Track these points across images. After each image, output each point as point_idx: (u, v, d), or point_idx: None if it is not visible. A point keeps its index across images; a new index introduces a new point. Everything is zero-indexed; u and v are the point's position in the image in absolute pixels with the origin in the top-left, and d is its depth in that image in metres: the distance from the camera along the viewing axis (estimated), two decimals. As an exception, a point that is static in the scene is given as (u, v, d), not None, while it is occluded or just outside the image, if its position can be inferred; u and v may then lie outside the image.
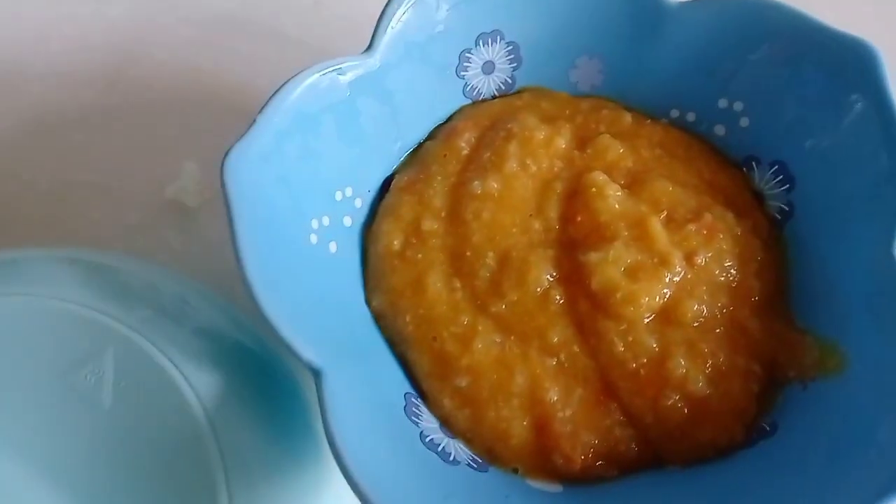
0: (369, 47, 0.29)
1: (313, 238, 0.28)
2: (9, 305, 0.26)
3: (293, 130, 0.27)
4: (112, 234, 0.37)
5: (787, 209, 0.31)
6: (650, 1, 0.31)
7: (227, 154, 0.25)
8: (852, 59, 0.29)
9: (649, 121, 0.33)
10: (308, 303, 0.26)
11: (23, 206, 0.38)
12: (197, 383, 0.26)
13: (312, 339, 0.24)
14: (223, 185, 0.25)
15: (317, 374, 0.23)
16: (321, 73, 0.28)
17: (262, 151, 0.26)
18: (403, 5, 0.30)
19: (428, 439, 0.26)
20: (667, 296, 0.28)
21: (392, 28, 0.30)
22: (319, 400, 0.23)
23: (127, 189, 0.39)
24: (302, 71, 0.28)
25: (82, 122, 0.41)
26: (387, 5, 0.30)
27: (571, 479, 0.27)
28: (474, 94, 0.34)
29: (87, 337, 0.26)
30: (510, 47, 0.33)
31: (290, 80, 0.27)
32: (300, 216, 0.27)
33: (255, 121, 0.26)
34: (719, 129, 0.33)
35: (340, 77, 0.29)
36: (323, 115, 0.28)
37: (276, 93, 0.27)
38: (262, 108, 0.26)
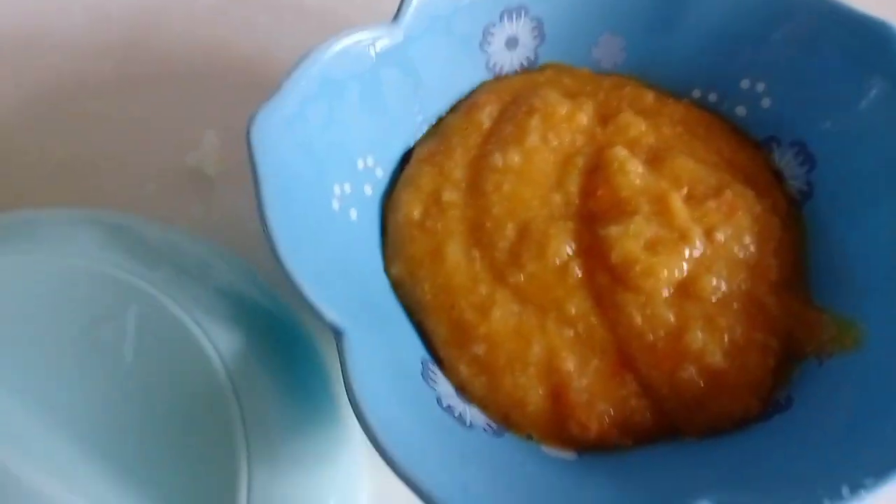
0: (395, 18, 0.30)
1: (335, 204, 0.28)
2: (30, 264, 0.27)
3: (319, 96, 0.27)
4: (132, 202, 0.37)
5: (806, 189, 0.31)
6: (675, -22, 0.31)
7: (253, 117, 0.25)
8: (873, 39, 0.29)
9: (671, 99, 0.34)
10: (330, 266, 0.26)
11: (43, 175, 0.39)
12: (218, 342, 0.26)
13: (335, 301, 0.24)
14: (249, 147, 0.25)
15: (339, 334, 0.24)
16: (351, 41, 0.28)
17: (287, 116, 0.26)
18: (430, -25, 0.30)
19: (445, 404, 0.26)
20: (686, 270, 0.28)
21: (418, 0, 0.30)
22: (341, 360, 0.23)
23: (147, 158, 0.39)
24: (331, 38, 0.28)
25: (102, 92, 0.41)
26: (414, -25, 0.30)
27: (586, 447, 0.27)
28: (497, 69, 0.34)
29: (110, 294, 0.26)
30: (534, 23, 0.33)
31: (319, 46, 0.27)
32: (323, 182, 0.28)
33: (281, 84, 0.26)
34: (740, 110, 0.33)
35: (368, 46, 0.29)
36: (349, 83, 0.29)
37: (304, 58, 0.27)
38: (290, 71, 0.27)
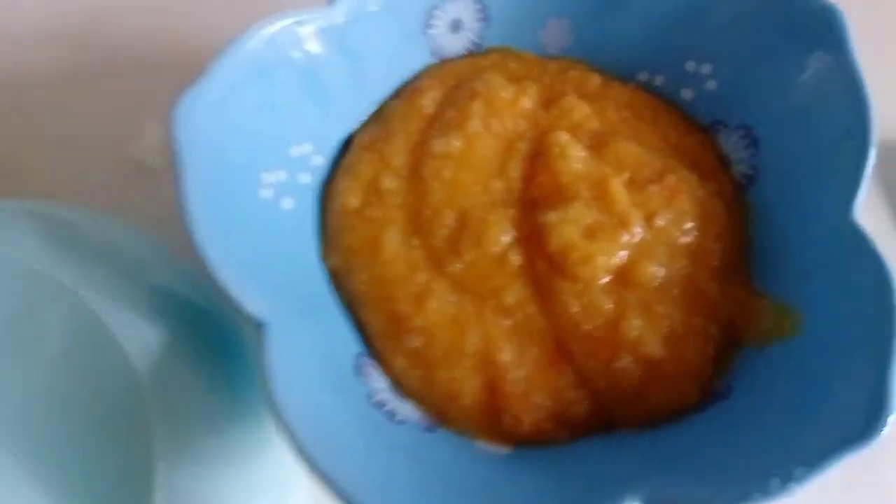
0: (331, 0, 0.29)
1: (266, 192, 0.27)
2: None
3: (248, 82, 0.27)
4: (75, 192, 0.37)
5: (751, 173, 0.31)
6: (619, -41, 0.31)
7: (175, 103, 0.25)
8: (817, 20, 0.28)
9: (617, 83, 0.33)
10: (256, 256, 0.25)
11: (-14, 164, 0.38)
12: (140, 339, 0.25)
13: (258, 293, 0.24)
14: (171, 133, 0.24)
15: (260, 326, 0.23)
16: (279, 24, 0.27)
17: (213, 102, 0.25)
18: (366, -43, 0.29)
19: (374, 400, 0.26)
20: (625, 257, 0.28)
21: (353, -20, 0.29)
22: (259, 352, 0.23)
23: (91, 148, 0.38)
24: (259, 22, 0.27)
25: (51, 82, 0.41)
26: (349, -43, 0.29)
27: (521, 441, 0.27)
28: (442, 53, 0.33)
29: (33, 289, 0.25)
30: (479, 5, 0.33)
31: (248, 30, 0.27)
32: (253, 170, 0.27)
33: (207, 70, 0.26)
34: (687, 93, 0.33)
35: (300, 29, 0.28)
36: (281, 68, 0.28)
37: (231, 43, 0.26)
38: (216, 57, 0.26)
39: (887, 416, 0.22)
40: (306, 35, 0.28)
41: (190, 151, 0.24)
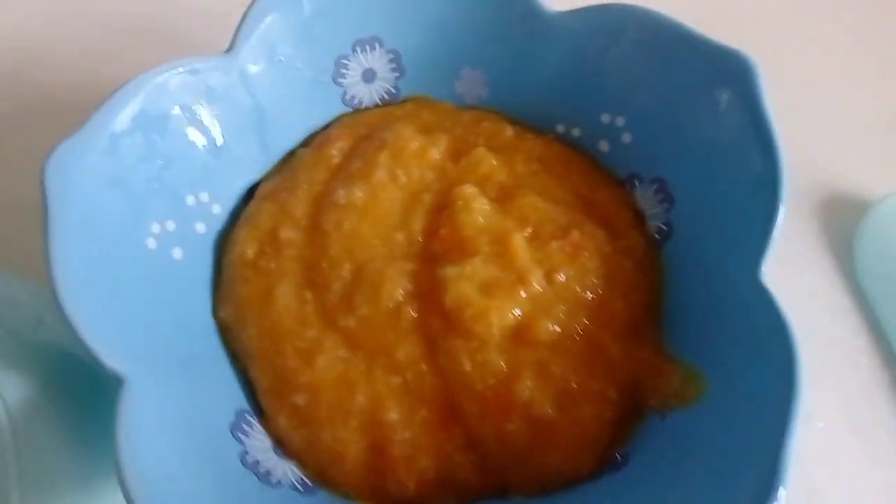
0: (230, 49, 0.29)
1: (151, 242, 0.26)
2: None
3: (133, 130, 0.26)
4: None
5: (665, 229, 0.30)
6: (528, 10, 0.30)
7: (49, 154, 0.24)
8: (729, 70, 0.27)
9: (532, 135, 0.32)
10: (130, 309, 0.24)
11: None
12: (6, 388, 0.24)
13: (124, 347, 0.23)
14: (42, 182, 0.24)
15: (120, 382, 0.22)
16: (169, 72, 0.27)
17: (93, 150, 0.25)
18: (268, 5, 0.29)
19: (251, 460, 0.25)
20: (521, 314, 0.26)
21: (255, 29, 0.29)
22: (116, 410, 0.22)
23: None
24: (150, 70, 0.27)
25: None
26: (250, 5, 0.29)
27: (405, 507, 0.25)
28: (355, 102, 0.33)
29: None
30: (391, 55, 0.32)
31: (134, 78, 0.26)
32: (137, 220, 0.26)
33: (88, 119, 0.25)
34: (603, 146, 0.32)
35: (192, 77, 0.28)
36: (171, 116, 0.27)
37: (116, 91, 0.26)
38: (99, 106, 0.25)
39: (777, 489, 0.21)
40: (201, 84, 0.28)
41: (61, 201, 0.23)
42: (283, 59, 0.30)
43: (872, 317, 0.37)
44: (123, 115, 0.26)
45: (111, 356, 0.22)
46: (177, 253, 0.28)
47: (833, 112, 0.44)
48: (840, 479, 0.33)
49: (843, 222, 0.40)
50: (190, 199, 0.28)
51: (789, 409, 0.22)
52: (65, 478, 0.24)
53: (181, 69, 0.27)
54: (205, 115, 0.28)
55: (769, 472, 0.21)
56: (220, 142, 0.29)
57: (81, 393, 0.27)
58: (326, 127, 0.33)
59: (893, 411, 0.35)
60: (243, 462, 0.24)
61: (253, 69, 0.29)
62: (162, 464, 0.21)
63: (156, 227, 0.27)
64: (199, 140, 0.28)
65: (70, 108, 0.40)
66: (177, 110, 0.27)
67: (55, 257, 0.23)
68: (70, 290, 0.22)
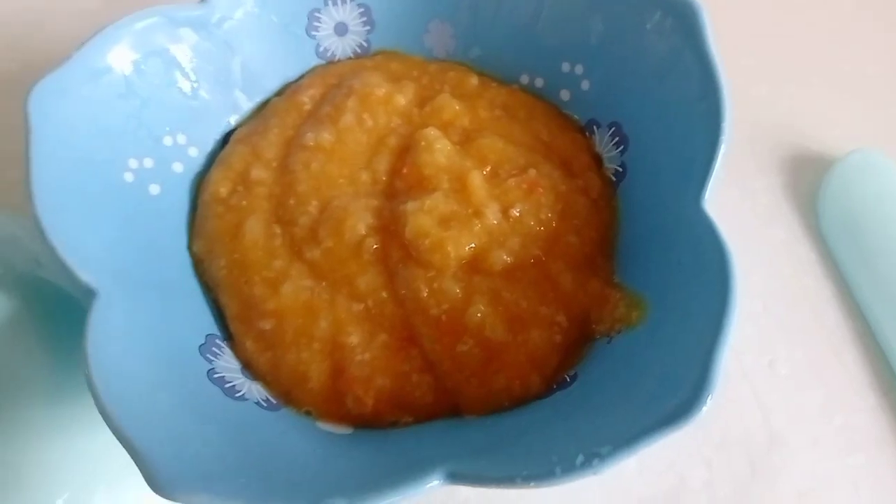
0: (205, -1, 0.30)
1: (128, 176, 0.28)
2: None
3: (113, 70, 0.28)
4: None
5: (620, 170, 0.31)
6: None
7: (34, 84, 0.26)
8: (677, 15, 0.29)
9: (496, 84, 0.34)
10: (105, 233, 0.26)
11: None
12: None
13: (97, 265, 0.24)
14: (25, 113, 0.25)
15: (91, 295, 0.24)
16: (147, 18, 0.29)
17: (74, 85, 0.27)
18: (242, -42, 0.30)
19: (217, 376, 0.26)
20: (476, 246, 0.28)
21: (230, -20, 0.30)
22: (87, 318, 0.23)
23: (5, 150, 0.39)
24: (127, 15, 0.28)
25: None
26: (225, -42, 0.30)
27: (363, 423, 0.26)
28: (328, 55, 0.35)
29: None
30: (361, 9, 0.34)
31: (114, 23, 0.28)
32: (115, 154, 0.28)
33: (70, 56, 0.27)
34: (564, 94, 0.33)
35: (170, 25, 0.29)
36: (150, 60, 0.29)
37: (97, 33, 0.27)
38: (80, 45, 0.27)
39: (706, 396, 0.22)
40: (178, 31, 0.29)
41: (42, 130, 0.25)
42: (257, 10, 0.32)
43: (836, 269, 0.38)
44: (103, 55, 0.27)
45: (84, 270, 0.24)
46: (154, 189, 0.29)
47: (799, 70, 0.45)
48: (801, 425, 0.34)
49: (807, 178, 0.41)
50: (167, 140, 0.30)
51: (722, 324, 0.23)
52: (40, 388, 0.26)
53: (159, 16, 0.29)
54: (182, 61, 0.30)
55: (698, 381, 0.22)
56: (196, 88, 0.31)
57: (68, 325, 0.28)
58: (300, 78, 0.34)
59: (855, 359, 0.36)
60: (210, 378, 0.26)
61: (229, 20, 0.31)
62: (128, 371, 0.23)
63: (133, 163, 0.28)
64: (175, 84, 0.30)
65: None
66: (155, 54, 0.29)
67: (35, 178, 0.25)
68: (47, 209, 0.24)
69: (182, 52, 0.30)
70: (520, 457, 0.23)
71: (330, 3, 0.33)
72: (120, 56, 0.28)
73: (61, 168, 0.25)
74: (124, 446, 0.21)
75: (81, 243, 0.24)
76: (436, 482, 0.21)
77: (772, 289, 0.38)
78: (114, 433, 0.21)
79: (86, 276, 0.24)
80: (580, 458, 0.21)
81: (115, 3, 0.45)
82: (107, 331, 0.23)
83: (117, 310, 0.24)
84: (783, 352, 0.36)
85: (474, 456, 0.23)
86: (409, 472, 0.22)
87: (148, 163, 0.29)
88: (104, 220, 0.26)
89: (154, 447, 0.21)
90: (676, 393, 0.22)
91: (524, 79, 0.34)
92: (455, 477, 0.21)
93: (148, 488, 0.26)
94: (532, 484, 0.21)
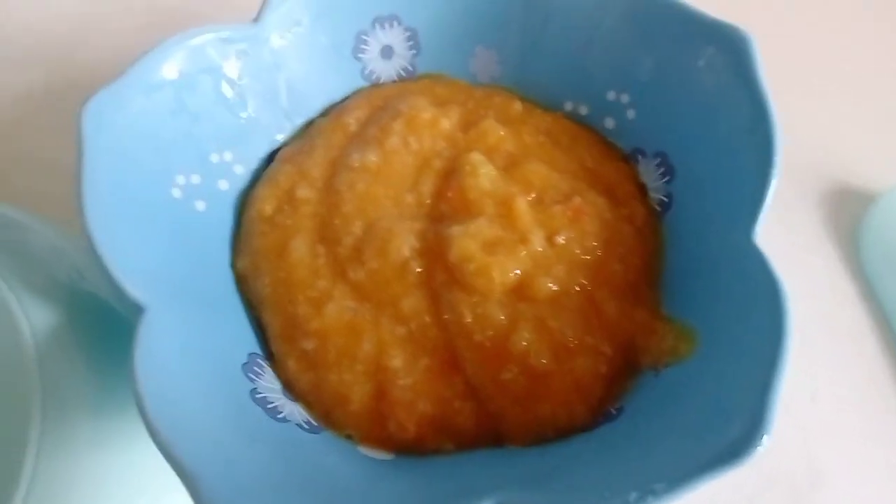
0: (257, 19, 0.30)
1: (176, 192, 0.28)
2: None
3: (165, 86, 0.28)
4: (30, 201, 0.38)
5: (666, 200, 0.31)
6: (539, -8, 0.32)
7: (88, 98, 0.26)
8: (727, 45, 0.28)
9: (540, 110, 0.34)
10: (153, 248, 0.26)
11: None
12: (36, 321, 0.26)
13: (145, 280, 0.24)
14: (78, 126, 0.26)
15: (139, 310, 0.23)
16: (201, 36, 0.29)
17: (127, 101, 0.27)
18: (294, -19, 0.31)
19: (259, 396, 0.26)
20: (522, 272, 0.28)
21: (282, 2, 0.31)
22: (134, 334, 0.23)
23: (54, 162, 0.40)
24: (183, 32, 0.29)
25: (24, 100, 0.43)
26: (277, -20, 0.31)
27: (405, 449, 0.26)
28: (373, 77, 0.35)
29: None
30: (409, 33, 0.34)
31: (168, 39, 0.28)
32: (164, 169, 0.28)
33: (124, 71, 0.27)
34: (609, 122, 0.33)
35: (221, 42, 0.29)
36: (201, 77, 0.29)
37: (150, 50, 0.28)
38: (135, 61, 0.27)
39: (763, 434, 0.21)
40: (230, 49, 0.30)
41: (94, 144, 0.25)
42: (306, 31, 0.32)
43: (876, 304, 0.38)
44: (157, 71, 0.28)
45: (132, 286, 0.24)
46: (199, 205, 0.29)
47: (841, 104, 0.45)
48: (843, 459, 0.34)
49: (848, 213, 0.40)
50: (214, 157, 0.30)
51: (777, 360, 0.22)
52: (84, 402, 0.26)
53: (212, 34, 0.29)
54: (232, 79, 0.30)
55: (753, 420, 0.22)
56: (245, 106, 0.31)
57: (109, 338, 0.28)
58: (345, 99, 0.34)
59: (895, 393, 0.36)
60: (253, 398, 0.26)
61: (278, 40, 0.31)
62: (175, 389, 0.23)
63: (181, 179, 0.29)
64: (225, 102, 0.30)
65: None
66: (206, 72, 0.29)
67: (86, 191, 0.25)
68: (98, 223, 0.24)
69: (233, 71, 0.30)
70: (569, 490, 0.22)
71: (377, 26, 0.34)
72: (173, 72, 0.28)
73: (112, 182, 0.26)
74: (171, 465, 0.20)
75: (130, 258, 0.24)
76: (485, 512, 0.21)
77: (812, 322, 0.37)
78: (161, 451, 0.21)
79: (134, 291, 0.24)
80: (634, 495, 0.21)
81: (157, 20, 0.46)
82: (154, 347, 0.23)
83: (164, 326, 0.24)
84: (825, 385, 0.36)
85: (522, 487, 0.22)
86: (456, 500, 0.22)
87: (195, 179, 0.29)
88: (152, 235, 0.26)
89: (201, 466, 0.20)
90: (732, 430, 0.22)
91: (568, 106, 0.34)
92: (502, 507, 0.21)
93: (192, 506, 0.26)
94: (585, 519, 0.21)
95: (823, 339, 0.37)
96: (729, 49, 0.28)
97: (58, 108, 0.42)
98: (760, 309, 0.24)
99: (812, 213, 0.41)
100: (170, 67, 0.28)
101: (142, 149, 0.27)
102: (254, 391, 0.26)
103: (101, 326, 0.29)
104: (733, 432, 0.22)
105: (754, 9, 0.46)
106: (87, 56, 0.44)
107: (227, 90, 0.30)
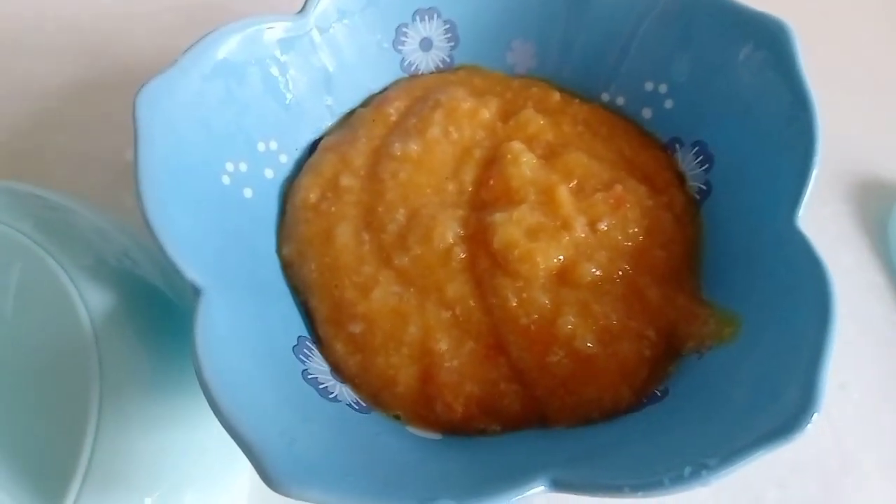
0: (302, 10, 0.31)
1: (225, 179, 0.29)
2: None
3: (215, 75, 0.29)
4: (71, 187, 0.39)
5: (704, 188, 0.31)
6: (579, -16, 0.32)
7: (143, 86, 0.27)
8: (768, 38, 0.29)
9: (578, 101, 0.34)
10: (207, 233, 0.27)
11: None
12: (92, 303, 0.26)
13: (201, 262, 0.25)
14: (133, 112, 0.26)
15: (197, 291, 0.24)
16: (249, 27, 0.29)
17: (179, 88, 0.27)
18: (336, -26, 0.31)
19: (311, 377, 0.26)
20: (565, 257, 0.28)
21: (325, -6, 0.31)
22: (193, 315, 0.23)
23: (94, 153, 0.41)
24: (231, 23, 0.29)
25: (63, 92, 0.44)
26: (321, -28, 0.31)
27: (452, 430, 0.27)
28: (412, 69, 0.35)
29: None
30: (447, 25, 0.35)
31: (216, 29, 0.29)
32: (214, 157, 0.29)
33: (176, 61, 0.28)
34: (646, 112, 0.34)
35: (268, 33, 0.30)
36: (249, 67, 0.30)
37: (201, 39, 0.28)
38: (186, 50, 0.28)
39: (812, 413, 0.22)
40: (273, 38, 0.30)
41: (148, 130, 0.26)
42: (350, 24, 0.33)
43: (906, 295, 0.38)
44: (207, 61, 0.28)
45: (190, 268, 0.24)
46: (247, 192, 0.30)
47: (870, 97, 0.45)
48: (873, 445, 0.34)
49: (877, 206, 0.41)
50: (261, 146, 0.31)
51: (824, 339, 0.23)
52: (139, 382, 0.26)
53: (261, 25, 0.30)
54: (278, 69, 0.31)
55: (803, 397, 0.22)
56: (289, 96, 0.32)
57: (157, 316, 0.29)
58: (384, 90, 0.35)
59: (926, 384, 0.36)
60: (305, 378, 0.26)
61: (323, 32, 0.32)
62: (232, 368, 0.23)
63: (230, 166, 0.29)
64: (271, 92, 0.31)
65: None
66: (254, 62, 0.30)
67: (143, 177, 0.25)
68: (155, 208, 0.25)
69: (279, 61, 0.31)
70: (622, 467, 0.23)
71: (418, 18, 0.34)
72: (223, 61, 0.29)
73: (166, 168, 0.26)
74: (236, 441, 0.21)
75: (185, 242, 0.25)
76: (540, 487, 0.21)
77: (841, 313, 0.38)
78: (225, 428, 0.21)
79: (191, 273, 0.24)
80: (688, 469, 0.21)
81: (193, 15, 0.46)
82: (211, 328, 0.23)
83: (220, 308, 0.24)
84: (854, 375, 0.36)
85: (574, 464, 0.23)
86: (510, 477, 0.22)
87: (243, 167, 0.30)
88: (204, 220, 0.27)
89: (265, 443, 0.21)
90: (782, 407, 0.22)
91: (604, 97, 0.35)
92: (559, 484, 0.21)
93: (236, 493, 0.26)
94: (640, 493, 0.21)
95: (853, 331, 0.37)
96: (770, 41, 0.29)
97: (94, 101, 0.43)
98: (805, 291, 0.25)
99: (841, 206, 0.41)
100: (218, 57, 0.29)
101: (193, 136, 0.28)
102: (305, 372, 0.27)
103: (152, 308, 0.29)
104: (785, 410, 0.22)
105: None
106: (124, 51, 0.45)
107: (274, 80, 0.31)
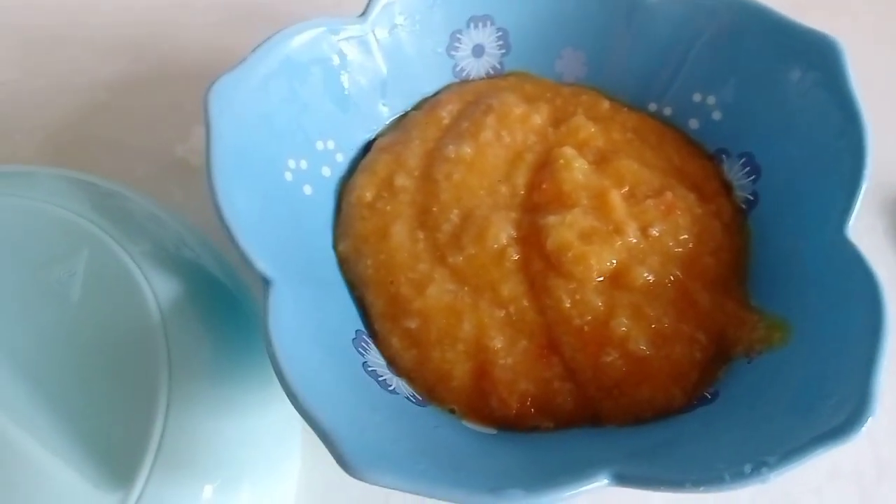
0: (363, 14, 0.32)
1: (288, 175, 0.30)
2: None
3: (280, 74, 0.29)
4: (122, 179, 0.40)
5: (752, 198, 0.32)
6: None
7: (213, 82, 0.27)
8: (818, 53, 0.30)
9: (626, 109, 0.35)
10: (273, 227, 0.27)
11: (45, 156, 0.42)
12: (158, 288, 0.27)
13: (268, 254, 0.25)
14: (205, 106, 0.27)
15: (267, 283, 0.25)
16: (314, 29, 0.30)
17: (247, 85, 0.28)
18: (399, -20, 0.32)
19: (370, 369, 0.27)
20: (618, 261, 0.29)
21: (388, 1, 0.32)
22: (264, 305, 0.24)
23: (141, 145, 0.42)
24: (297, 24, 0.30)
25: (110, 85, 0.45)
26: (384, -23, 0.32)
27: (506, 425, 0.27)
28: (463, 74, 0.36)
29: (65, 236, 0.28)
30: (500, 33, 0.36)
31: (283, 29, 0.30)
32: (278, 153, 0.29)
33: (245, 58, 0.29)
34: (693, 123, 0.34)
35: (332, 35, 0.31)
36: (312, 67, 0.31)
37: (269, 38, 0.29)
38: (254, 49, 0.29)
39: (868, 416, 0.22)
40: (336, 40, 0.31)
41: (220, 122, 0.27)
42: (407, 29, 0.33)
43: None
44: (273, 60, 0.29)
45: (259, 259, 0.25)
46: (307, 189, 0.31)
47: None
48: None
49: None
50: (319, 145, 0.32)
51: (878, 345, 0.24)
52: (204, 368, 0.27)
53: (324, 28, 0.31)
54: (339, 71, 0.32)
55: (859, 400, 0.23)
56: (348, 97, 0.33)
57: (217, 304, 0.30)
58: (436, 93, 0.36)
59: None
60: (365, 370, 0.27)
61: (381, 35, 0.33)
62: (302, 356, 0.24)
63: (292, 163, 0.30)
64: (330, 93, 0.32)
65: (193, 76, 0.44)
66: (317, 63, 0.31)
67: (215, 169, 0.26)
68: (227, 199, 0.25)
69: (340, 63, 0.32)
70: (681, 463, 0.23)
71: (472, 25, 0.35)
72: (286, 61, 0.30)
73: (234, 162, 0.27)
74: (313, 427, 0.21)
75: (253, 234, 0.26)
76: (604, 481, 0.22)
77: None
78: (302, 415, 0.22)
79: (261, 264, 0.25)
80: (748, 467, 0.22)
81: (240, 16, 0.47)
82: (281, 318, 0.24)
83: (286, 299, 0.25)
84: (889, 385, 0.37)
85: (635, 461, 0.23)
86: (573, 470, 0.23)
87: (303, 164, 0.31)
88: (270, 215, 0.28)
89: (340, 429, 0.21)
90: (837, 410, 0.23)
91: (652, 106, 0.35)
92: (622, 478, 0.22)
93: (286, 481, 0.26)
94: (702, 488, 0.21)
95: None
96: (821, 60, 0.29)
97: (141, 94, 0.44)
98: (856, 298, 0.25)
99: (876, 221, 0.42)
100: (283, 56, 0.30)
101: (259, 132, 0.29)
102: (365, 364, 0.27)
103: (213, 297, 0.30)
104: (841, 411, 0.23)
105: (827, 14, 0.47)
106: (170, 45, 0.46)
107: (334, 81, 0.32)
